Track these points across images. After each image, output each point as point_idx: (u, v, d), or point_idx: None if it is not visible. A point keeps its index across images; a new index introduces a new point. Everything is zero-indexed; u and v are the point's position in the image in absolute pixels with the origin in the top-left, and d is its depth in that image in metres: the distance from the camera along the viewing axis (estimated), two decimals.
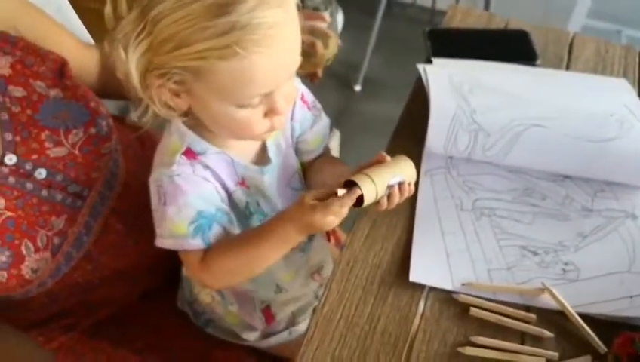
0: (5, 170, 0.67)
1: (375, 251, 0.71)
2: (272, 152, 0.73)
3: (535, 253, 0.71)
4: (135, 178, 0.82)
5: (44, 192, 0.70)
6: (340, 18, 2.31)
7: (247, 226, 0.73)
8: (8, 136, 0.68)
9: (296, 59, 0.61)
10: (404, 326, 0.65)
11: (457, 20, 1.01)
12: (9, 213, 0.67)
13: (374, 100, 2.20)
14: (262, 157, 0.73)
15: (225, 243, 0.67)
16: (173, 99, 0.62)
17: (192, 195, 0.65)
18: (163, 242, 0.68)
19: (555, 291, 0.65)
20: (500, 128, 0.77)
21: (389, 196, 0.64)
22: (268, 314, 0.86)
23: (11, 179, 0.67)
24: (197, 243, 0.66)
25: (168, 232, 0.66)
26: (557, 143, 0.76)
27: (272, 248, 0.66)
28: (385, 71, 2.29)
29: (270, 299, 0.85)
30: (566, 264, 0.70)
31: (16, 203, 0.67)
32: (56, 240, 0.71)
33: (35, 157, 0.69)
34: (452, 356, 0.63)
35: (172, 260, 0.84)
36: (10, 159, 0.68)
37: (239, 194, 0.71)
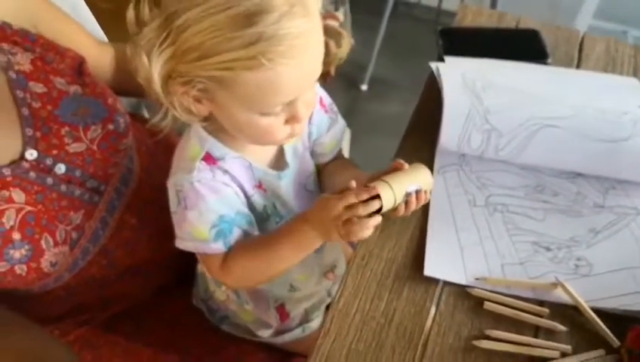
0: (26, 165, 0.68)
1: (389, 246, 0.72)
2: (289, 156, 0.74)
3: (548, 249, 0.71)
4: (149, 174, 0.84)
5: (64, 187, 0.71)
6: (345, 18, 2.32)
7: (264, 228, 0.74)
8: (29, 132, 0.69)
9: (320, 67, 0.61)
10: (418, 320, 0.66)
11: (468, 20, 1.02)
12: (29, 208, 0.68)
13: (381, 100, 2.21)
14: (279, 161, 0.74)
15: (245, 246, 0.68)
16: (195, 105, 0.62)
17: (213, 200, 0.66)
18: (184, 244, 0.69)
19: (568, 286, 0.66)
20: (514, 128, 0.77)
21: (406, 203, 0.66)
22: (282, 311, 0.87)
23: (32, 174, 0.69)
24: (218, 247, 0.67)
25: (189, 235, 0.67)
26: (570, 143, 0.77)
27: (291, 251, 0.67)
28: (391, 70, 2.30)
29: (284, 298, 0.86)
30: (578, 259, 0.70)
31: (36, 197, 0.68)
32: (74, 235, 0.72)
33: (55, 152, 0.70)
34: (467, 349, 0.63)
35: (186, 257, 0.85)
36: (31, 154, 0.69)
37: (257, 198, 0.72)
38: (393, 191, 0.62)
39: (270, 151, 0.73)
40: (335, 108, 0.79)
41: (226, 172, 0.68)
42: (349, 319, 0.66)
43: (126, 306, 0.90)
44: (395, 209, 0.65)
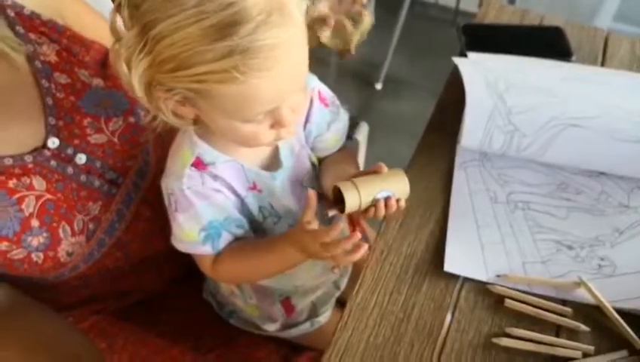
0: (48, 153, 0.68)
1: (409, 241, 0.71)
2: (284, 155, 0.72)
3: (570, 248, 0.70)
4: (163, 166, 0.83)
5: (83, 178, 0.71)
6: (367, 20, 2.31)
7: (262, 228, 0.74)
8: (52, 121, 0.69)
9: (304, 72, 0.59)
10: (438, 315, 0.65)
11: (491, 17, 1.01)
12: (49, 196, 0.68)
13: (395, 98, 2.20)
14: (273, 161, 0.72)
15: (233, 254, 0.70)
16: (181, 109, 0.60)
17: (202, 207, 0.66)
18: (176, 244, 0.71)
19: (591, 285, 0.65)
20: (537, 129, 0.76)
21: (375, 208, 0.65)
22: (287, 305, 0.86)
23: (53, 163, 0.69)
24: (207, 249, 0.69)
25: (180, 236, 0.69)
26: (595, 143, 0.75)
27: (273, 263, 0.70)
28: (406, 69, 2.29)
29: (289, 291, 0.85)
30: (602, 259, 0.69)
31: (56, 186, 0.68)
32: (91, 226, 0.72)
33: (76, 142, 0.70)
34: (487, 346, 0.62)
35: None
36: (53, 143, 0.69)
37: (251, 199, 0.71)
38: (359, 195, 0.63)
39: (264, 152, 0.72)
40: (337, 102, 0.77)
41: (216, 177, 0.67)
42: (367, 313, 0.65)
43: (139, 297, 0.89)
44: (365, 211, 0.66)
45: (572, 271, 0.68)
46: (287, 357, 0.88)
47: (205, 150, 0.66)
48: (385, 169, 0.66)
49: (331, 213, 0.66)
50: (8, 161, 0.65)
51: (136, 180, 0.77)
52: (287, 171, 0.73)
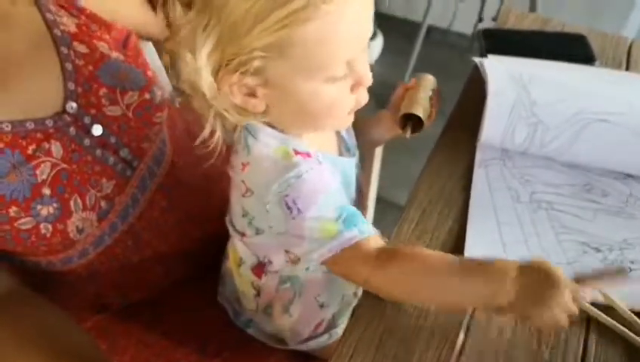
0: (68, 118, 0.68)
1: (425, 239, 0.68)
2: (350, 143, 0.70)
3: (598, 250, 0.66)
4: (181, 158, 0.82)
5: (99, 152, 0.70)
6: (379, 42, 2.33)
7: None
8: (71, 86, 0.68)
9: (371, 25, 0.58)
10: (457, 315, 0.61)
11: (510, 24, 0.99)
12: (64, 165, 0.67)
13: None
14: (341, 150, 0.70)
15: (415, 254, 0.58)
16: (249, 101, 0.57)
17: (329, 190, 0.59)
18: (318, 254, 0.58)
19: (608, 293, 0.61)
20: (562, 122, 0.73)
21: (432, 107, 0.72)
22: (319, 323, 0.82)
23: (72, 130, 0.68)
24: (353, 234, 0.58)
25: (318, 241, 0.58)
26: (622, 142, 0.73)
27: (470, 292, 0.55)
28: None
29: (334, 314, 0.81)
30: (632, 262, 0.65)
31: (72, 156, 0.68)
32: (103, 204, 0.71)
33: (93, 112, 0.70)
34: (510, 347, 0.58)
35: (211, 251, 0.83)
36: (72, 107, 0.68)
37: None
38: (421, 106, 0.72)
39: (334, 142, 0.69)
40: None
41: (321, 163, 0.61)
42: (381, 309, 0.61)
43: (145, 295, 0.86)
44: (429, 116, 0.72)
45: None
46: None
47: (294, 141, 0.60)
48: (412, 81, 0.72)
49: (409, 134, 0.73)
50: (30, 125, 0.65)
51: (152, 166, 0.76)
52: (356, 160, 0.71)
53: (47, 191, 0.65)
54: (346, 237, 0.57)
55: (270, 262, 0.71)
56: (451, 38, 2.54)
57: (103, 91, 0.71)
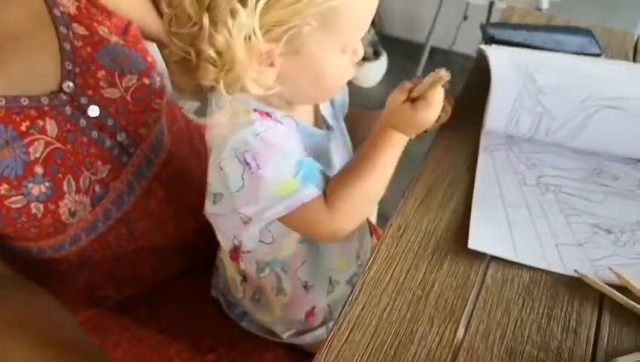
0: (64, 97, 0.67)
1: (429, 218, 0.65)
2: (327, 115, 0.70)
3: (609, 232, 0.63)
4: (179, 149, 0.81)
5: (95, 134, 0.69)
6: (383, 63, 2.34)
7: None
8: (68, 65, 0.68)
9: None
10: (462, 294, 0.58)
11: (514, 20, 0.98)
12: (59, 145, 0.65)
13: (415, 140, 2.17)
14: (319, 123, 0.70)
15: (341, 179, 0.61)
16: (264, 71, 0.56)
17: (286, 147, 0.59)
18: (271, 213, 0.60)
19: (595, 278, 0.58)
20: (569, 110, 0.71)
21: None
22: (310, 312, 0.79)
23: (67, 109, 0.67)
24: (312, 191, 0.59)
25: (274, 198, 0.59)
26: (632, 127, 0.70)
27: (389, 158, 0.62)
28: None
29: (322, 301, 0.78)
30: None
31: (67, 136, 0.66)
32: (97, 189, 0.69)
33: (90, 93, 0.69)
34: (517, 329, 0.55)
35: (206, 244, 0.81)
36: (68, 86, 0.67)
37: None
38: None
39: (309, 113, 0.69)
40: None
41: (280, 123, 0.61)
42: (382, 287, 0.58)
43: (140, 289, 0.84)
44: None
45: (614, 255, 0.61)
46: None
47: (258, 104, 0.60)
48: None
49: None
50: (25, 101, 0.64)
51: (150, 154, 0.75)
52: (337, 136, 0.70)
53: (39, 169, 0.64)
54: (305, 193, 0.59)
55: (241, 243, 0.69)
56: (454, 59, 2.56)
57: (101, 73, 0.70)
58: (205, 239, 0.81)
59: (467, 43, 2.24)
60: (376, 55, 2.32)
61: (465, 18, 2.12)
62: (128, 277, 0.82)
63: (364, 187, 0.61)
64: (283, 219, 0.62)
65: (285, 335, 0.80)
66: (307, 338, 0.81)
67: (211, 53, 0.52)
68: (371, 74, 2.30)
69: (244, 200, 0.60)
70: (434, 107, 0.59)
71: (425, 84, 0.59)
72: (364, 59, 1.96)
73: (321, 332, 0.81)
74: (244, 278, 0.77)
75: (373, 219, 1.06)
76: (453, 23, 2.15)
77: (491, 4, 1.84)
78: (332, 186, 0.61)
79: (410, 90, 0.60)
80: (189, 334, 0.80)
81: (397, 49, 2.38)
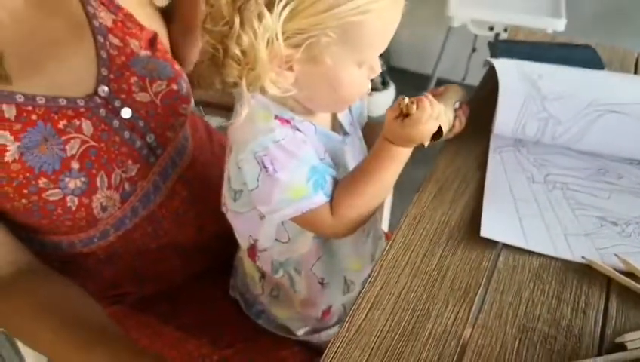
0: (98, 100, 0.71)
1: (443, 210, 0.68)
2: (346, 126, 0.73)
3: (615, 224, 0.66)
4: (202, 153, 0.85)
5: (127, 134, 0.73)
6: (391, 93, 2.41)
7: None
8: (104, 71, 0.72)
9: None
10: (475, 277, 0.60)
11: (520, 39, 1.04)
12: (93, 143, 0.69)
13: (418, 165, 2.21)
14: (338, 130, 0.73)
15: (345, 187, 0.65)
16: (283, 74, 0.59)
17: (302, 153, 0.63)
18: (281, 214, 0.64)
19: (602, 263, 0.61)
20: (573, 115, 0.75)
21: (457, 119, 0.70)
22: (326, 311, 0.82)
23: (102, 111, 0.71)
24: (320, 198, 0.64)
25: (285, 200, 0.63)
26: (635, 130, 0.74)
27: (388, 172, 0.66)
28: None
29: (338, 300, 0.81)
30: None
31: (101, 135, 0.70)
32: (127, 186, 0.73)
33: (123, 96, 0.73)
34: (529, 310, 0.57)
35: (226, 245, 0.84)
36: (103, 90, 0.71)
37: (327, 163, 0.69)
38: (446, 115, 0.67)
39: (326, 120, 0.72)
40: None
41: (299, 131, 0.64)
42: (399, 270, 0.61)
43: (161, 287, 0.86)
44: (450, 130, 0.69)
45: (619, 245, 0.63)
46: (314, 360, 0.82)
47: (279, 109, 0.64)
48: (440, 89, 0.71)
49: (427, 142, 0.67)
50: (63, 102, 0.68)
51: (175, 157, 0.79)
52: (352, 142, 0.74)
53: (75, 165, 0.68)
54: (313, 200, 0.63)
55: (257, 241, 0.73)
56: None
57: (133, 79, 0.75)
58: (225, 242, 0.84)
59: (473, 75, 2.31)
60: (385, 85, 2.39)
61: (474, 50, 2.19)
62: (150, 275, 0.85)
63: (366, 197, 0.65)
64: (292, 219, 0.66)
65: (300, 332, 0.82)
66: (322, 337, 0.83)
67: (237, 51, 0.56)
68: (380, 103, 2.37)
69: (257, 200, 0.65)
70: (420, 124, 0.62)
71: (406, 102, 0.62)
72: (373, 89, 2.03)
73: (335, 330, 0.83)
74: (263, 275, 0.79)
75: (386, 228, 1.09)
76: (461, 54, 2.21)
77: (497, 36, 1.91)
78: (337, 194, 0.65)
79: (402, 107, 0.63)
80: (208, 330, 0.83)
81: (405, 80, 2.45)
